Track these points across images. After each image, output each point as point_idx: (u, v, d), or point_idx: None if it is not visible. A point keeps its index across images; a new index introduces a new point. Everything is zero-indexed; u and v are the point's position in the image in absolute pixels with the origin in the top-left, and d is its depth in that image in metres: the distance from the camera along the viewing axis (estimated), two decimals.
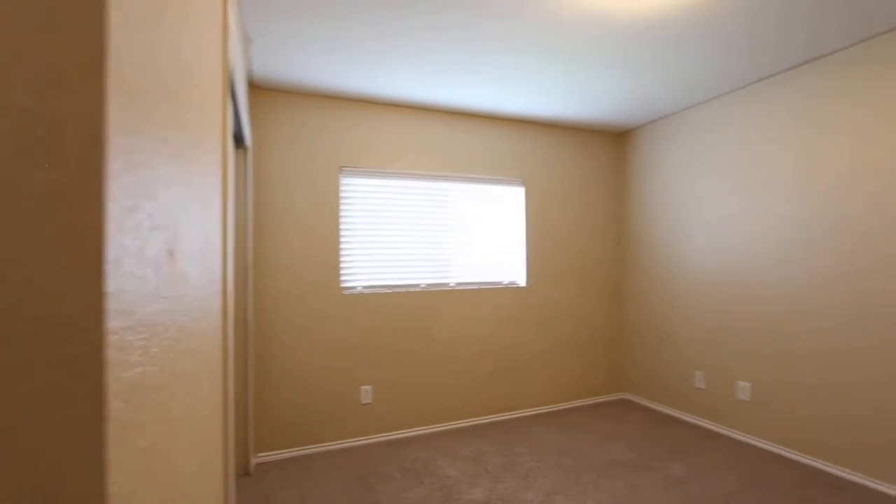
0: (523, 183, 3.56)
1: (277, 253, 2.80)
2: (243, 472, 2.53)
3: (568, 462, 2.66)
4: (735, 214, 2.98)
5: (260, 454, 2.71)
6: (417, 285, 3.18)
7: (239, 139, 2.37)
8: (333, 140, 2.96)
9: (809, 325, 2.57)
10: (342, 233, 2.98)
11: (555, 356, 3.63)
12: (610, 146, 3.94)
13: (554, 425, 3.27)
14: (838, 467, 2.43)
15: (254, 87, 2.77)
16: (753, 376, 2.87)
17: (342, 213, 2.99)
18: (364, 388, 2.98)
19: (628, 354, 3.88)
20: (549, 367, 3.61)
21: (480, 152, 3.41)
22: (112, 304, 0.42)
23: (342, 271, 2.98)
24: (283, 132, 2.84)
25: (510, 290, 3.47)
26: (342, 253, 2.98)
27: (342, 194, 2.99)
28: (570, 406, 3.67)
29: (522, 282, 3.54)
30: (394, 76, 2.67)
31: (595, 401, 3.79)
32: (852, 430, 2.38)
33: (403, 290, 3.12)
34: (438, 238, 3.26)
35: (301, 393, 2.83)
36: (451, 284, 3.29)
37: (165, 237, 0.60)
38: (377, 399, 3.02)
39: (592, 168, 3.85)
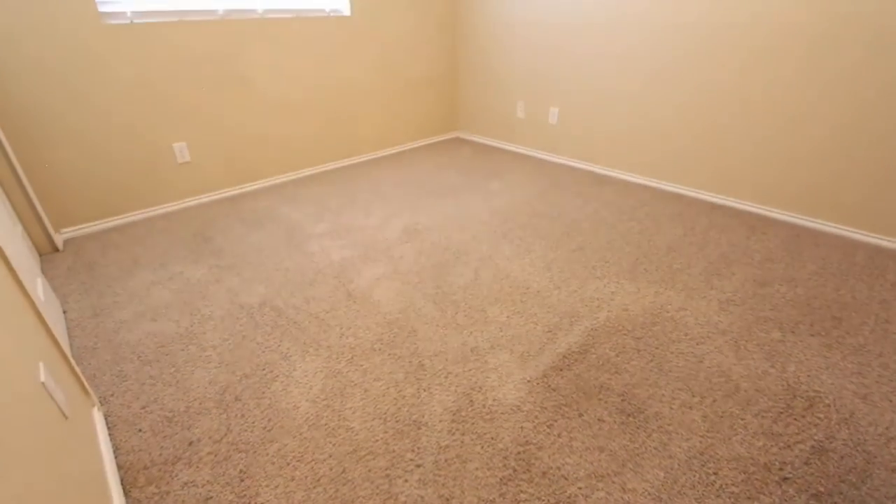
0: None
1: None
2: (51, 249, 2.24)
3: (405, 191, 2.91)
4: None
5: (65, 229, 2.38)
6: (214, 11, 2.51)
7: None
8: None
9: (601, 61, 2.81)
10: None
11: (391, 98, 3.53)
12: None
13: (392, 165, 3.43)
14: (607, 168, 3.12)
15: None
16: (561, 102, 3.22)
17: None
18: (177, 145, 2.60)
19: (461, 94, 3.97)
20: (386, 111, 3.54)
21: None
22: None
23: None
24: None
25: (332, 21, 2.99)
26: None
27: None
28: (407, 148, 3.82)
29: (346, 9, 3.04)
30: None
31: (431, 141, 3.99)
32: (616, 140, 2.96)
33: (194, 18, 2.45)
34: None
35: (93, 160, 2.35)
36: (258, 11, 2.67)
37: None
38: (197, 156, 2.70)
39: None
